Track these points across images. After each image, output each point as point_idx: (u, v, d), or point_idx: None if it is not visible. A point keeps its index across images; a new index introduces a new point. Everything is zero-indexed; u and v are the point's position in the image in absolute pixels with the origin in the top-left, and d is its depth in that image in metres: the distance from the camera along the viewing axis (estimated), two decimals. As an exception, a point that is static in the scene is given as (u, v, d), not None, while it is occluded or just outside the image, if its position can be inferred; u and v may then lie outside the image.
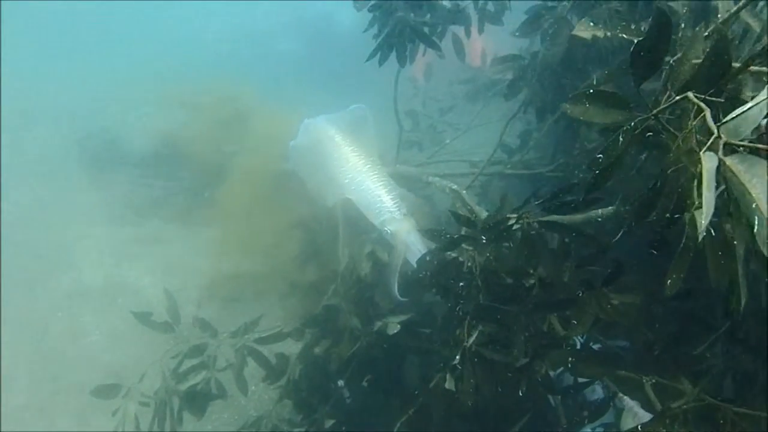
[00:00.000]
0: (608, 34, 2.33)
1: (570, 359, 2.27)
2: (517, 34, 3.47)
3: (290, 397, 3.99)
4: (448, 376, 2.29)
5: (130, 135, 7.61)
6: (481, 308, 2.42)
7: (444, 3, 3.71)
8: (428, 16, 3.58)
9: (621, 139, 1.72)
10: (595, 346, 2.88)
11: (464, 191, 3.93)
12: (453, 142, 5.96)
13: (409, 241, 3.62)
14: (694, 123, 1.54)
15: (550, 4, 3.61)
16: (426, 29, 3.29)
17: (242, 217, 6.19)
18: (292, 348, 4.46)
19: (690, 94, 1.58)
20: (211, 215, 6.64)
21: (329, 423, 3.78)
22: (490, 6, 4.10)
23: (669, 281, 1.66)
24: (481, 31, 4.21)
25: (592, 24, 2.31)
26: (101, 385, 3.82)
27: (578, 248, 2.41)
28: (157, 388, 3.87)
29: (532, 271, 2.43)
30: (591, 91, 1.80)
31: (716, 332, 2.55)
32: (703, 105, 1.52)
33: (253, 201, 6.20)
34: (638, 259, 2.58)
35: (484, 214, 3.31)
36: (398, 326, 3.78)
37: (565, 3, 3.18)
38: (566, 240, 2.30)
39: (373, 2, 3.28)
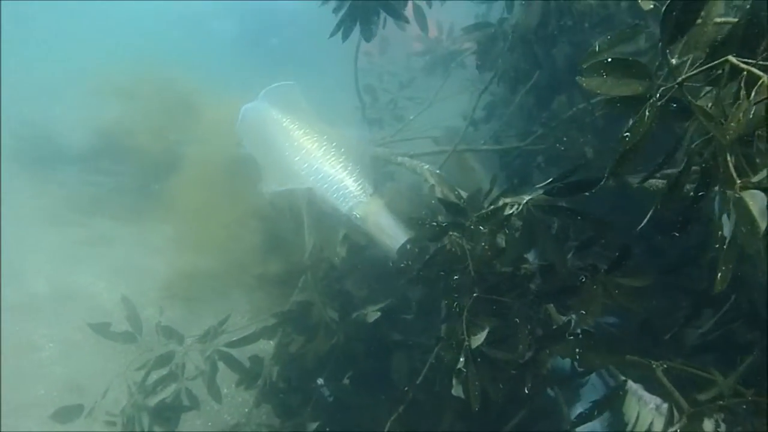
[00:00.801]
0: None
1: (577, 350, 2.12)
2: None
3: (268, 400, 3.76)
4: (454, 381, 2.10)
5: (66, 130, 7.14)
6: (479, 302, 2.24)
7: (404, -29, 3.46)
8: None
9: (647, 112, 1.54)
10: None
11: (437, 170, 3.72)
12: (415, 118, 5.75)
13: (381, 223, 3.37)
14: (736, 90, 1.37)
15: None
16: None
17: (196, 209, 5.88)
18: (264, 346, 4.24)
19: (731, 58, 1.41)
20: (162, 210, 6.28)
21: (312, 425, 3.56)
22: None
23: (719, 275, 1.49)
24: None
25: None
26: (61, 407, 3.51)
27: (577, 231, 2.25)
28: (124, 405, 3.59)
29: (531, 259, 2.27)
30: (609, 59, 1.61)
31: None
32: (755, 70, 1.35)
33: (206, 192, 5.89)
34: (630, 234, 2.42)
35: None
36: (378, 314, 3.61)
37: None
38: (567, 223, 2.14)
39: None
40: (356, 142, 3.81)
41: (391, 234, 3.27)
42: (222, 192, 5.82)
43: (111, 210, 6.27)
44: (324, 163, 3.52)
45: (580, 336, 2.24)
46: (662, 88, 1.57)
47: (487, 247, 2.25)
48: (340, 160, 3.53)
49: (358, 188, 3.46)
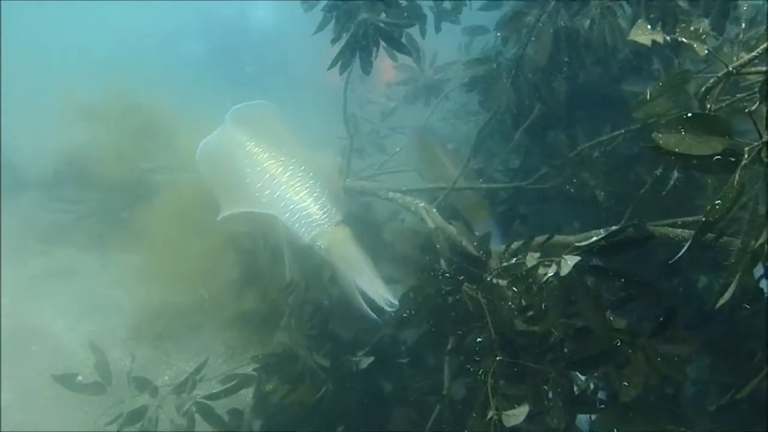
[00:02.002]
0: (668, 38, 1.98)
1: (616, 422, 1.93)
2: (498, 33, 3.12)
3: (251, 458, 3.49)
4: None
5: (28, 155, 6.74)
6: (503, 366, 2.03)
7: (401, 1, 3.28)
8: (383, 15, 3.15)
9: (737, 176, 1.37)
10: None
11: (434, 209, 3.53)
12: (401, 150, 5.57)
13: (346, 255, 3.12)
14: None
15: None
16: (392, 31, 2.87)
17: (166, 240, 5.57)
18: (244, 391, 3.96)
19: None
20: (130, 240, 5.95)
21: (301, 486, 3.30)
22: (447, 4, 3.73)
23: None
24: (438, 30, 3.83)
25: (650, 27, 1.95)
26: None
27: (612, 288, 2.07)
28: (90, 463, 3.28)
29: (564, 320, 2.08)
30: (689, 114, 1.44)
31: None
32: None
33: (177, 222, 5.58)
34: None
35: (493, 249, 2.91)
36: (370, 359, 3.38)
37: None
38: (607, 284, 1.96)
39: (328, 2, 2.81)
40: (327, 167, 3.59)
41: (357, 268, 3.04)
42: (194, 222, 5.52)
43: (75, 240, 5.91)
44: (288, 189, 3.31)
45: (606, 403, 2.05)
46: (748, 147, 1.40)
47: (513, 306, 2.04)
48: (307, 185, 3.32)
49: (323, 215, 3.23)
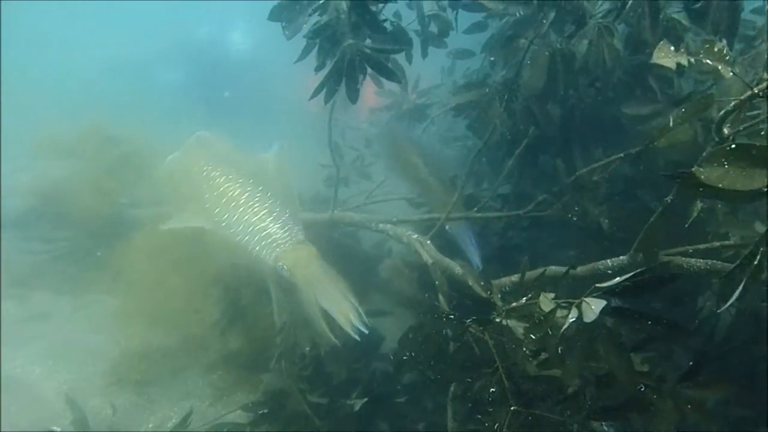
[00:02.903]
0: (692, 60, 1.86)
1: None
2: (492, 58, 3.00)
3: None
4: None
5: (1, 192, 6.51)
6: (518, 416, 1.86)
7: (386, 26, 3.16)
8: (368, 41, 3.02)
9: None
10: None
11: (428, 241, 3.37)
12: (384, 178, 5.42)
13: (311, 275, 2.94)
14: None
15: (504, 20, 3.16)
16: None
17: (145, 279, 5.35)
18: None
19: None
20: (107, 280, 5.73)
21: None
22: (433, 28, 3.61)
23: None
24: (424, 55, 3.72)
25: (672, 48, 1.82)
26: None
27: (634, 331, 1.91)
28: None
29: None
30: (732, 146, 1.30)
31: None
32: None
33: (157, 259, 5.37)
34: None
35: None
36: (364, 400, 3.21)
37: (543, 20, 2.72)
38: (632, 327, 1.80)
39: (312, 29, 2.67)
40: (287, 186, 3.43)
41: (322, 289, 2.87)
42: (174, 259, 5.32)
43: (50, 281, 5.67)
44: (246, 211, 3.17)
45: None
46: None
47: (528, 352, 1.88)
48: (266, 204, 3.18)
49: (284, 234, 3.08)
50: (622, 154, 2.76)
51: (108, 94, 10.36)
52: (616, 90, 3.25)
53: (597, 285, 1.76)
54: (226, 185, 3.30)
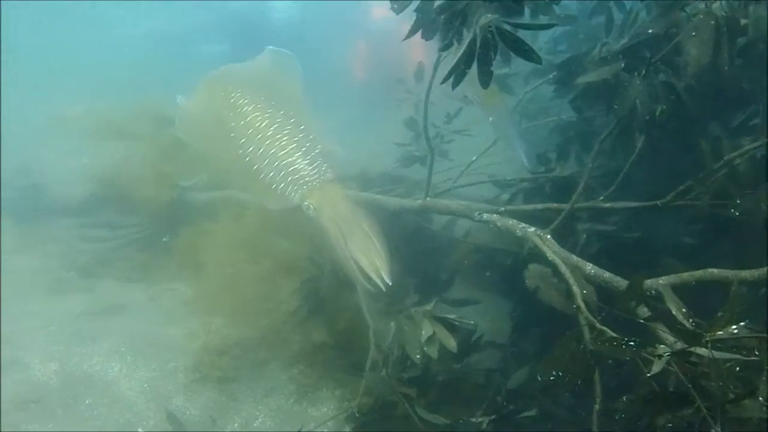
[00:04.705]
0: None
1: None
2: (649, 30, 2.62)
3: None
4: None
5: (62, 178, 6.35)
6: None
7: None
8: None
9: None
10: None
11: (548, 235, 3.05)
12: (462, 156, 5.10)
13: (340, 217, 2.69)
14: None
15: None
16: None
17: (215, 265, 5.14)
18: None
19: None
20: (175, 267, 5.54)
21: None
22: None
23: None
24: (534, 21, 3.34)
25: None
26: None
27: None
28: None
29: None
30: None
31: None
32: None
33: (226, 244, 5.16)
34: None
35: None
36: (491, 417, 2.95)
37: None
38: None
39: (440, 3, 2.33)
40: (320, 122, 3.10)
41: (350, 232, 2.61)
42: (244, 244, 5.10)
43: (118, 270, 5.50)
44: (273, 143, 2.90)
45: None
46: None
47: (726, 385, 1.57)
48: (295, 138, 2.91)
49: (313, 171, 2.81)
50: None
51: (155, 70, 10.11)
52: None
53: None
54: (254, 115, 3.03)
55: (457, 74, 2.37)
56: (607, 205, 3.11)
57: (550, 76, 4.08)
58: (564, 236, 3.34)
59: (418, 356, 3.13)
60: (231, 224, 5.30)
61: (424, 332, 3.17)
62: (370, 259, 2.55)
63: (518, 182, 4.41)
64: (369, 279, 2.56)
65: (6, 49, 11.75)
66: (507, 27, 2.20)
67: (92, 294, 5.10)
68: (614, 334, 2.31)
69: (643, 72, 2.76)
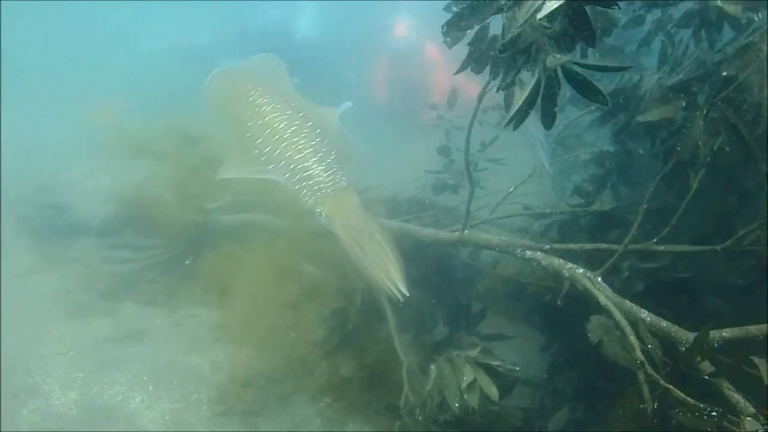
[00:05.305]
0: None
1: None
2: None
3: None
4: None
5: (81, 196, 6.24)
6: None
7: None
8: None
9: None
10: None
11: (599, 278, 2.90)
12: (493, 182, 4.94)
13: (352, 226, 2.65)
14: None
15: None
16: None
17: (240, 291, 5.02)
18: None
19: None
20: (199, 291, 5.41)
21: None
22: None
23: None
24: (583, 56, 3.21)
25: None
26: None
27: None
28: None
29: None
30: None
31: None
32: None
33: (252, 268, 5.03)
34: None
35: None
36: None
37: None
38: None
39: (505, 40, 2.19)
40: (336, 126, 3.17)
41: (363, 242, 2.58)
42: (270, 269, 4.98)
43: (140, 293, 5.38)
44: (290, 146, 2.90)
45: None
46: None
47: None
48: (312, 143, 2.90)
49: (327, 178, 2.79)
50: None
51: (179, 84, 10.04)
52: None
53: None
54: (273, 115, 3.05)
55: (521, 116, 2.23)
56: (662, 248, 2.94)
57: (592, 107, 3.95)
58: (606, 272, 3.20)
59: (456, 404, 2.98)
60: (256, 248, 5.19)
61: (465, 378, 3.02)
62: (385, 270, 2.50)
63: (557, 214, 4.25)
64: (386, 289, 2.51)
65: (33, 65, 11.81)
66: (577, 68, 2.05)
67: (113, 318, 4.97)
68: (681, 393, 2.15)
69: (705, 111, 2.62)
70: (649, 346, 2.26)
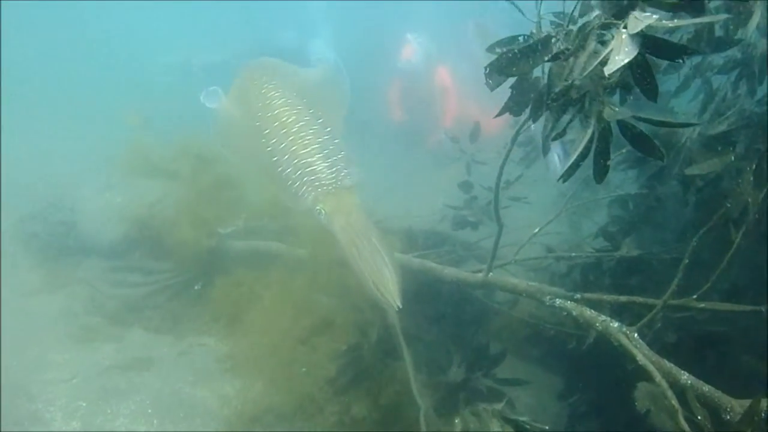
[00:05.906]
0: None
1: None
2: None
3: None
4: None
5: (92, 214, 6.13)
6: None
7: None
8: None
9: None
10: None
11: (635, 333, 2.76)
12: (514, 219, 4.81)
13: (351, 226, 2.59)
14: None
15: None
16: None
17: (251, 320, 4.87)
18: None
19: None
20: (208, 319, 5.27)
21: None
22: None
23: None
24: (622, 102, 3.11)
25: None
26: None
27: None
28: None
29: None
30: None
31: None
32: None
33: (263, 297, 4.89)
34: None
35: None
36: None
37: None
38: None
39: (557, 91, 2.07)
40: (344, 124, 3.13)
41: (360, 244, 2.51)
42: (281, 299, 4.83)
43: (147, 319, 5.23)
44: (296, 140, 2.83)
45: None
46: None
47: None
48: (319, 139, 2.83)
49: (330, 175, 2.70)
50: None
51: (191, 102, 9.95)
52: None
53: None
54: (282, 108, 3.01)
55: (570, 170, 2.12)
56: (702, 305, 2.80)
57: (623, 151, 3.84)
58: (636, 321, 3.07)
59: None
60: (268, 276, 5.05)
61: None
62: (380, 277, 2.43)
63: (582, 257, 4.12)
64: (381, 296, 2.44)
65: (50, 78, 11.80)
66: (632, 121, 1.95)
67: (119, 344, 4.84)
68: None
69: (754, 166, 2.50)
70: (699, 417, 2.12)
